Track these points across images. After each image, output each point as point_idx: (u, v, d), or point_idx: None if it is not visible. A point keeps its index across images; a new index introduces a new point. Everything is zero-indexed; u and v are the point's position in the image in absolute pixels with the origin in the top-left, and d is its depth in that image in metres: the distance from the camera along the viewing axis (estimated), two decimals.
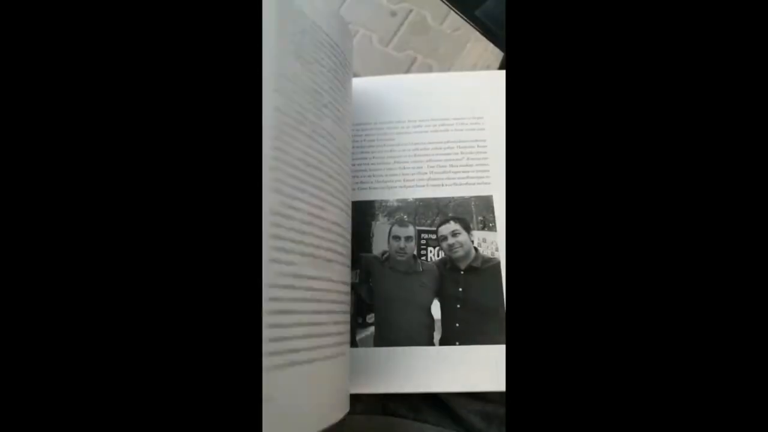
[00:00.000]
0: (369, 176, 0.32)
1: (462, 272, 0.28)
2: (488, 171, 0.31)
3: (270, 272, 0.18)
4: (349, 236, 0.25)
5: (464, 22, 0.42)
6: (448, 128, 0.33)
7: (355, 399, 0.27)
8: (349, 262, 0.25)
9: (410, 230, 0.30)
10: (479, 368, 0.25)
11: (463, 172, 0.32)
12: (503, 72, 0.37)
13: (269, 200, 0.19)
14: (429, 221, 0.30)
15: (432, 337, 0.26)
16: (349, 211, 0.25)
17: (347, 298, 0.24)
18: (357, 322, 0.27)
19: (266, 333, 0.18)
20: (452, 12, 0.43)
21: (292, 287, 0.20)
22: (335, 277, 0.23)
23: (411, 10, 0.44)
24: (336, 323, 0.22)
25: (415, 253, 0.29)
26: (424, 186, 0.31)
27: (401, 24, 0.43)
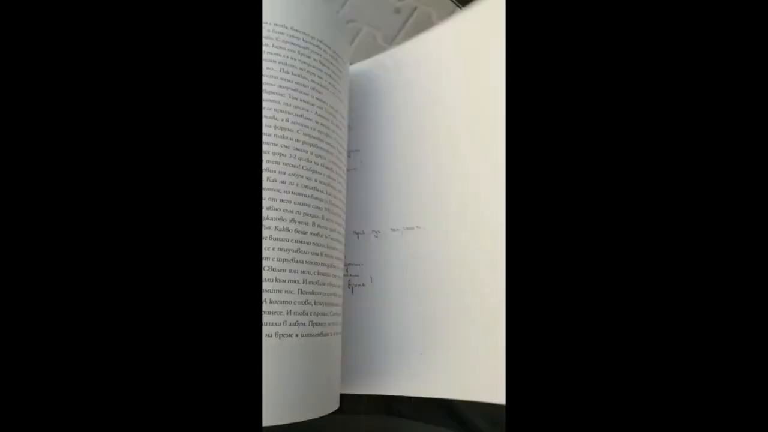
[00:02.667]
0: None
1: None
2: None
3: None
4: (343, 229, 0.25)
5: None
6: None
7: (359, 399, 0.27)
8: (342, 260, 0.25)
9: None
10: (480, 376, 0.25)
11: None
12: None
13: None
14: None
15: None
16: (344, 189, 0.26)
17: (340, 300, 0.25)
18: None
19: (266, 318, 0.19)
20: (457, 10, 0.43)
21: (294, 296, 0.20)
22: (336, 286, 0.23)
23: (415, 8, 0.44)
24: (333, 324, 0.23)
25: None
26: None
27: (405, 21, 0.43)
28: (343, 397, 0.26)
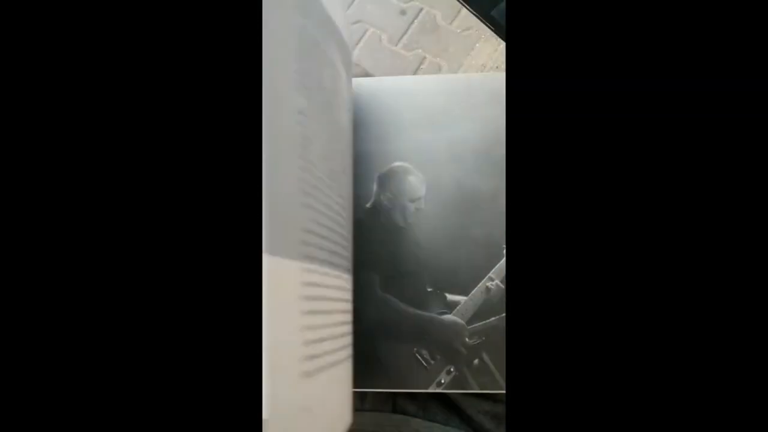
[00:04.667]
0: None
1: None
2: None
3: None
4: (350, 240, 0.26)
5: (474, 21, 0.42)
6: None
7: (364, 396, 0.27)
8: (351, 266, 0.26)
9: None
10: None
11: None
12: None
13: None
14: None
15: None
16: (350, 210, 0.26)
17: (350, 306, 0.25)
18: None
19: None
20: (462, 11, 0.43)
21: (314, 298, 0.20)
22: (346, 285, 0.23)
23: (421, 9, 0.44)
24: (343, 334, 0.23)
25: None
26: None
27: (411, 23, 0.43)
28: None
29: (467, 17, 0.42)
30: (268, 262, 0.16)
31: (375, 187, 0.28)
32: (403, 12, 0.44)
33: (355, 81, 0.31)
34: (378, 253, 0.27)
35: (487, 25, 0.40)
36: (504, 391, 0.25)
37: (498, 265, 0.27)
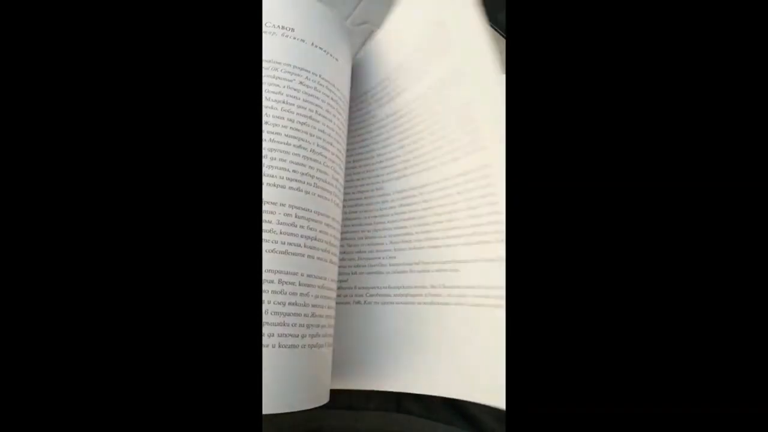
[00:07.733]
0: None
1: None
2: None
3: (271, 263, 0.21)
4: (339, 231, 0.26)
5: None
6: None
7: (368, 396, 0.27)
8: (337, 258, 0.26)
9: None
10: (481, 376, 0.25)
11: None
12: None
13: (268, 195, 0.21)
14: None
15: None
16: (341, 204, 0.26)
17: (334, 294, 0.25)
18: None
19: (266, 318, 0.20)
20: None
21: (292, 284, 0.21)
22: (329, 275, 0.23)
23: None
24: (327, 316, 0.23)
25: None
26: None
27: None
28: (351, 393, 0.27)
29: None
30: None
31: None
32: None
33: None
34: None
35: (495, 29, 0.40)
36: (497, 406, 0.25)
37: None
